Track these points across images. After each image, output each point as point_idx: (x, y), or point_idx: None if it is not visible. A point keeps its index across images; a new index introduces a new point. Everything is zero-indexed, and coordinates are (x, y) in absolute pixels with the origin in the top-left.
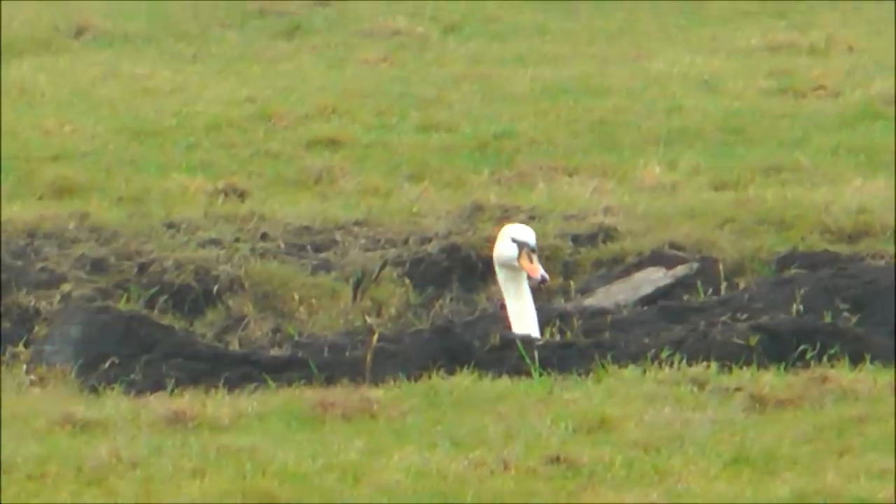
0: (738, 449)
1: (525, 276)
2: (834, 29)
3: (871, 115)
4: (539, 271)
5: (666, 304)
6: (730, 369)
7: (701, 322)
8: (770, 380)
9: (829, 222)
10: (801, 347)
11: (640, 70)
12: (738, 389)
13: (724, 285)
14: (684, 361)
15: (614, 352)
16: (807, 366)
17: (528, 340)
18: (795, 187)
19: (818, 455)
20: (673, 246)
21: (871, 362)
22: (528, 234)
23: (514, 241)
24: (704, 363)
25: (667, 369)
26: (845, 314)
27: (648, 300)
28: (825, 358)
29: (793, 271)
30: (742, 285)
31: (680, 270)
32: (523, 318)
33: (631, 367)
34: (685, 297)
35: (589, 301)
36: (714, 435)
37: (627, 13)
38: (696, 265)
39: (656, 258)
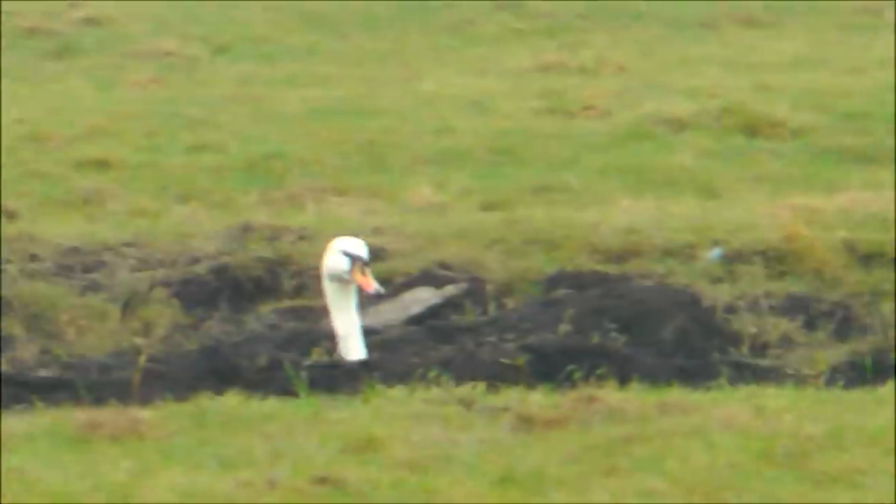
0: (506, 469)
1: (354, 291)
2: (603, 49)
3: (641, 135)
4: (373, 285)
5: (434, 324)
6: (497, 389)
7: (469, 342)
8: (538, 400)
9: (597, 242)
10: (569, 367)
11: (410, 91)
12: (505, 409)
13: (492, 305)
14: (452, 381)
15: (382, 371)
16: (574, 386)
17: (295, 361)
18: (564, 207)
19: (585, 475)
20: (442, 266)
21: (639, 382)
22: (359, 248)
23: (345, 254)
24: (472, 383)
25: (434, 389)
26: (613, 334)
27: (417, 320)
28: (593, 378)
29: (561, 291)
30: (510, 305)
31: (449, 290)
32: (349, 336)
33: (399, 386)
34: (453, 317)
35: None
36: (481, 455)
37: (397, 34)
38: (464, 285)
39: (425, 278)
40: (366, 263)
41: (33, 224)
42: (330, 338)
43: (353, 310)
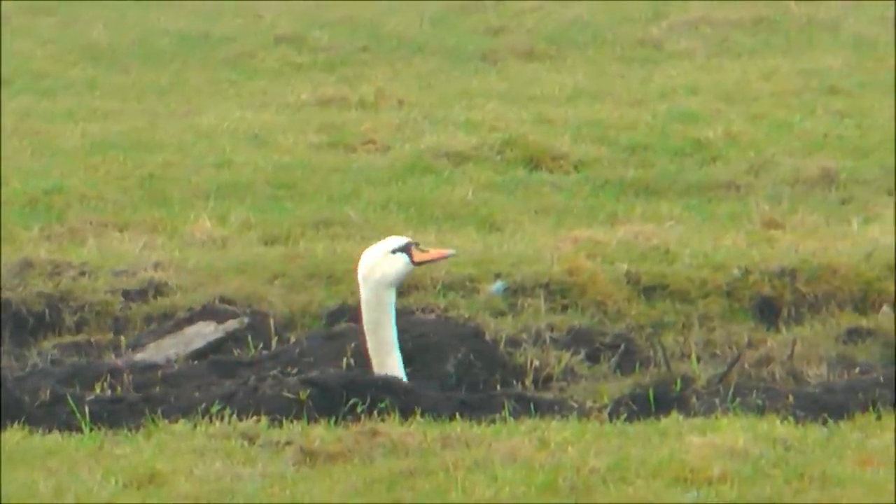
0: (289, 502)
1: (393, 305)
2: (384, 83)
3: (421, 168)
4: (445, 250)
5: (217, 359)
6: (280, 423)
7: (251, 376)
8: (320, 433)
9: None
10: (352, 401)
11: (190, 125)
12: (288, 443)
13: (274, 339)
14: (235, 416)
15: (165, 406)
16: (357, 420)
17: (78, 396)
18: (345, 241)
19: None
20: (224, 300)
21: (422, 416)
22: (398, 239)
23: (395, 251)
24: (255, 417)
25: (217, 423)
26: None
27: (199, 354)
28: (375, 412)
29: (343, 325)
30: (293, 339)
31: (231, 325)
32: (389, 354)
33: (182, 421)
34: (236, 352)
35: (140, 356)
36: (265, 489)
37: (178, 68)
38: (246, 319)
39: (207, 313)
40: (416, 243)
41: None
42: (114, 374)
43: (394, 324)
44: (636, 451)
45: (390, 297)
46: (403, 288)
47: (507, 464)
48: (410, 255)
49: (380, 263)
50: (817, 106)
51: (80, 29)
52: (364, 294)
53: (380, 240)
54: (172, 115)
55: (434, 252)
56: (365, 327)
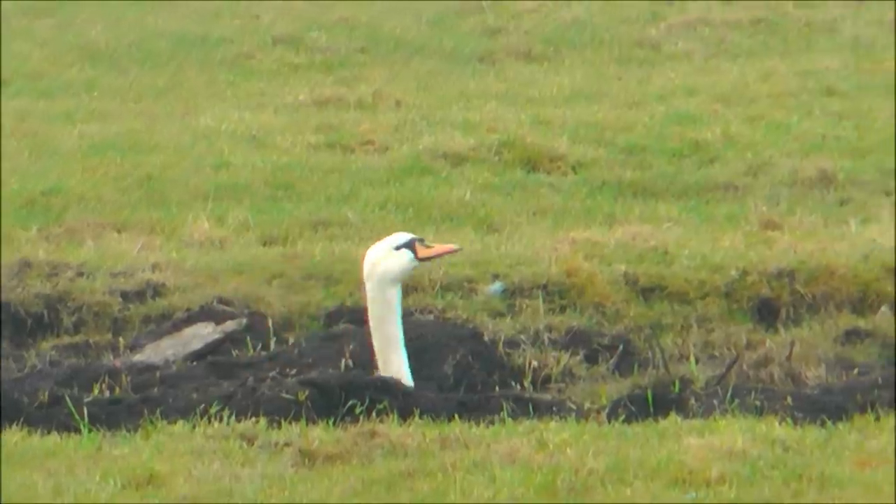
0: (287, 503)
1: (398, 302)
2: (381, 84)
3: (419, 169)
4: (449, 245)
5: (215, 360)
6: (279, 424)
7: (250, 377)
8: (319, 434)
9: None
10: (351, 402)
11: (187, 126)
12: (287, 444)
13: (273, 340)
14: (233, 417)
15: (163, 407)
16: (356, 420)
17: (76, 397)
18: (343, 242)
19: None
20: (222, 301)
21: (420, 417)
22: (403, 235)
23: (398, 248)
24: (253, 418)
25: (216, 424)
26: None
27: (198, 355)
28: (374, 413)
29: (341, 326)
30: (291, 340)
31: (229, 325)
32: (395, 353)
33: (180, 422)
34: (234, 353)
35: (138, 357)
36: (263, 490)
37: (175, 69)
38: (244, 320)
39: (205, 313)
40: (421, 240)
41: None
42: (113, 375)
43: (400, 321)
44: (634, 453)
45: (394, 295)
46: (403, 289)
47: (506, 465)
48: (414, 251)
49: (383, 259)
50: (815, 107)
51: (77, 30)
52: (369, 291)
53: (378, 240)
54: (170, 117)
55: (438, 247)
56: (370, 325)
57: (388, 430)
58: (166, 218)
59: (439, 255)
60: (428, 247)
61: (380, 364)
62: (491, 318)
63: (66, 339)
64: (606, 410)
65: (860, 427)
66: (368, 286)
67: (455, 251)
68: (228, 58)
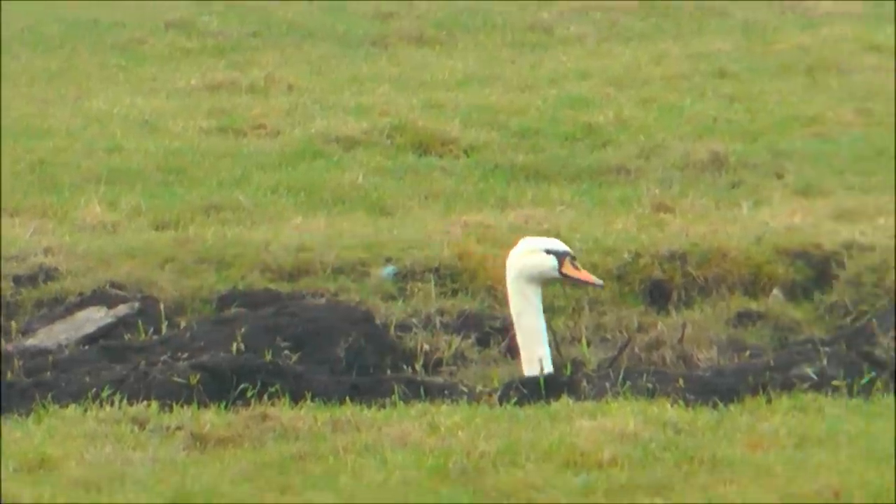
0: (179, 487)
1: (539, 295)
2: (274, 68)
3: (312, 153)
4: (596, 279)
5: (107, 344)
6: (171, 408)
7: (142, 361)
8: (211, 418)
9: (269, 261)
10: (242, 386)
11: (80, 110)
12: (178, 428)
13: (164, 324)
14: (125, 400)
15: (55, 391)
16: (248, 404)
17: None
18: (235, 226)
19: (259, 492)
20: (114, 285)
21: (312, 400)
22: (561, 244)
23: (549, 252)
24: (145, 402)
25: (108, 408)
26: (286, 352)
27: (90, 339)
28: (266, 396)
29: (233, 310)
30: (183, 324)
31: (121, 310)
32: (538, 344)
33: (72, 406)
34: (126, 337)
35: (30, 341)
36: (155, 473)
37: (67, 53)
38: (136, 304)
39: (98, 297)
40: (574, 258)
41: None
42: (5, 359)
43: (541, 315)
44: (526, 435)
45: (534, 292)
46: (290, 271)
47: (398, 448)
48: (561, 264)
49: (529, 255)
50: (707, 90)
51: None
52: (508, 279)
53: (270, 223)
54: (62, 101)
55: (584, 274)
56: (513, 318)
57: (279, 413)
58: (58, 202)
59: (579, 281)
60: (577, 268)
61: (523, 356)
62: (383, 301)
63: None
64: (498, 393)
65: (751, 409)
66: (508, 274)
67: (598, 286)
68: (120, 42)
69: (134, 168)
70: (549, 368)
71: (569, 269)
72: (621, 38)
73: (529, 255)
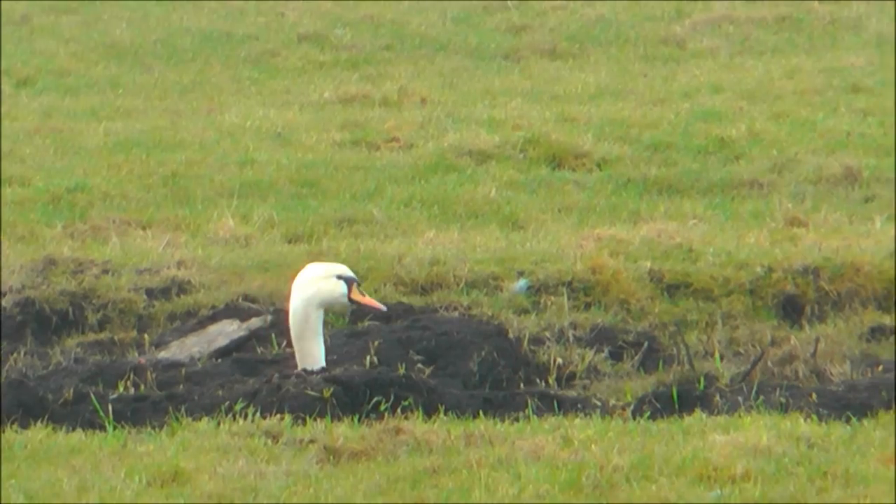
0: (312, 501)
1: (321, 320)
2: (406, 81)
3: (444, 167)
4: (380, 304)
5: (240, 357)
6: (304, 421)
7: (275, 374)
8: (344, 431)
9: (402, 274)
10: (375, 399)
11: (212, 123)
12: (311, 441)
13: None
14: (258, 414)
15: (188, 404)
16: (381, 417)
17: (101, 395)
18: (368, 239)
19: None
20: (247, 298)
21: (445, 414)
22: (347, 270)
23: (339, 277)
24: (278, 415)
25: (241, 421)
26: (419, 366)
27: (223, 352)
28: (399, 409)
29: (367, 323)
30: None
31: (254, 323)
32: (314, 366)
33: (205, 419)
34: (259, 350)
35: (163, 354)
36: (288, 487)
37: (200, 66)
38: (269, 317)
39: (230, 311)
40: (359, 283)
41: None
42: (138, 372)
43: (321, 339)
44: (659, 449)
45: (318, 316)
46: (428, 286)
47: (531, 462)
48: (349, 290)
49: (320, 280)
50: (840, 104)
51: (102, 28)
52: (292, 303)
53: (403, 237)
54: (195, 114)
55: (368, 300)
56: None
57: (412, 427)
58: (191, 215)
59: (367, 305)
60: (362, 294)
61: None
62: (516, 314)
63: (91, 337)
64: (631, 407)
65: (885, 424)
66: (295, 298)
67: (382, 311)
68: (253, 55)
69: (266, 181)
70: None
71: (356, 295)
72: (754, 51)
73: (323, 281)
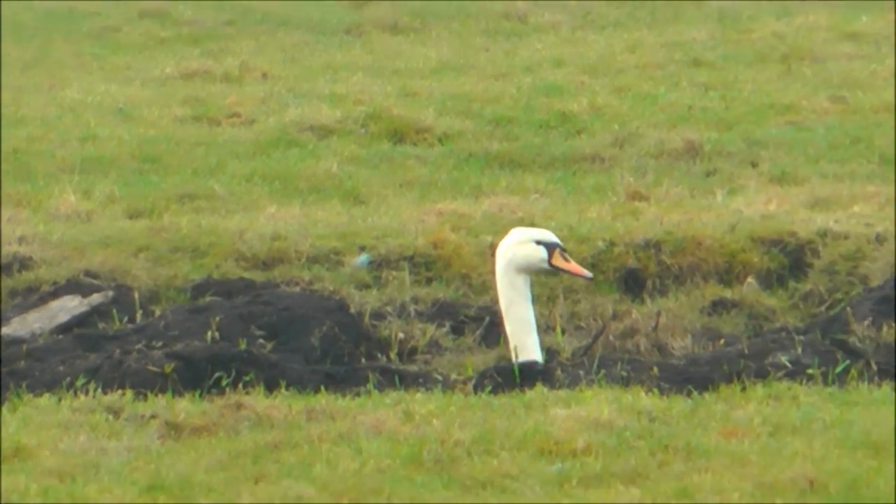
0: (154, 476)
1: (528, 285)
2: (248, 56)
3: (286, 142)
4: (585, 271)
5: (81, 333)
6: (145, 397)
7: (116, 350)
8: (185, 407)
9: (243, 249)
10: (217, 374)
11: (54, 99)
12: (153, 417)
13: (139, 313)
14: (99, 389)
15: (29, 380)
16: (222, 393)
17: None
18: (210, 215)
19: (234, 481)
20: (88, 274)
21: (287, 389)
22: (551, 235)
23: (539, 243)
24: (120, 391)
25: (82, 397)
26: (260, 341)
27: (64, 328)
28: (241, 385)
29: (208, 299)
30: (157, 313)
31: (95, 298)
32: (527, 334)
33: (46, 395)
34: (101, 326)
35: (4, 330)
36: (130, 462)
37: (42, 42)
38: (111, 293)
39: (72, 286)
40: (564, 249)
41: None
42: None
43: (530, 304)
44: (501, 424)
45: (523, 282)
46: (266, 260)
47: (372, 436)
48: (551, 255)
49: (514, 245)
50: (682, 78)
51: None
52: (497, 269)
53: (244, 212)
54: (37, 90)
55: (574, 266)
56: (501, 308)
57: (254, 402)
58: (33, 191)
59: (569, 272)
60: (567, 260)
61: (511, 346)
62: (357, 289)
63: None
64: (473, 382)
65: (726, 397)
66: (497, 266)
67: (588, 278)
68: (95, 31)
69: (108, 157)
70: (539, 358)
71: (558, 261)
72: (596, 26)
73: (519, 246)
